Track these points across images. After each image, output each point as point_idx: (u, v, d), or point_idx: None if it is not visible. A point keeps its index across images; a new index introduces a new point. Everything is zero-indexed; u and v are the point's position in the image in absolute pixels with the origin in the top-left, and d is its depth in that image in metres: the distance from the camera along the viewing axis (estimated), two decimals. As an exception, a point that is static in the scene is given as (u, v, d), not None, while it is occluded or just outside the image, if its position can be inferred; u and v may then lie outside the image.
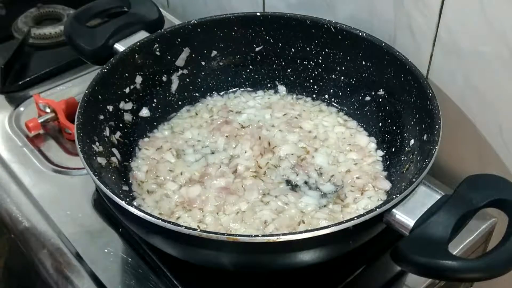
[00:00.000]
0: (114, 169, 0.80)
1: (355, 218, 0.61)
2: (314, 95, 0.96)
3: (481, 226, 0.82)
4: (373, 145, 0.87)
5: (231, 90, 0.98)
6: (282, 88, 0.97)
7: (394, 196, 0.63)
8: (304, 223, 0.75)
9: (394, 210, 0.63)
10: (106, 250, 0.78)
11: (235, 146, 0.87)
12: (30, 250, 0.80)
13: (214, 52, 0.95)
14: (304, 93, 0.96)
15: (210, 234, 0.59)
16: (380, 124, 0.88)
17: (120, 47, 0.88)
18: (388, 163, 0.84)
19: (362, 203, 0.77)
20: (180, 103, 0.95)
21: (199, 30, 0.92)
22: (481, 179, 0.65)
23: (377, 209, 0.62)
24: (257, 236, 0.63)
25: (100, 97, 0.81)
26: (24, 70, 1.11)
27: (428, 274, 0.64)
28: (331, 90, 0.94)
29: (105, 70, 0.83)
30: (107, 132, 0.82)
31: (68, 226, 0.82)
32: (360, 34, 0.86)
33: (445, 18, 0.78)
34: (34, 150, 0.95)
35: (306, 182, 0.82)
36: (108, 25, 0.92)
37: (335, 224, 0.60)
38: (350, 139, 0.88)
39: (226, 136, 0.89)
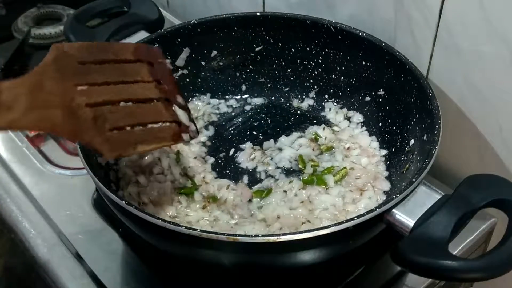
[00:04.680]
0: (114, 169, 0.80)
1: (355, 218, 0.61)
2: (314, 95, 0.96)
3: (481, 226, 0.82)
4: (375, 144, 0.87)
5: (231, 90, 0.98)
6: (283, 88, 0.97)
7: (394, 196, 0.63)
8: (310, 222, 0.75)
9: (394, 210, 0.63)
10: (106, 250, 0.78)
11: (235, 145, 0.88)
12: (30, 250, 0.80)
13: (214, 52, 0.95)
14: (304, 93, 0.96)
15: (210, 234, 0.59)
16: (380, 124, 0.88)
17: (120, 47, 0.88)
18: (388, 163, 0.84)
19: (361, 203, 0.77)
20: (180, 103, 0.95)
21: (199, 30, 0.92)
22: (481, 179, 0.65)
23: (377, 209, 0.62)
24: (257, 236, 0.63)
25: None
26: (24, 70, 1.11)
27: (428, 274, 0.63)
28: (331, 90, 0.94)
29: (105, 70, 0.82)
30: (194, 137, 0.81)
31: (68, 226, 0.82)
32: (360, 34, 0.86)
33: (445, 18, 0.78)
34: (34, 150, 0.95)
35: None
36: (108, 25, 0.92)
37: (335, 224, 0.60)
38: (351, 139, 0.88)
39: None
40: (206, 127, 0.92)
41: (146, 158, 0.83)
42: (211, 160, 0.86)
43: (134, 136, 0.66)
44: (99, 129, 0.63)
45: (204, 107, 0.95)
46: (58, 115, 0.60)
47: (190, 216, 0.76)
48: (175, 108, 0.71)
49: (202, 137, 0.90)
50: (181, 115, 0.72)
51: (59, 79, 0.62)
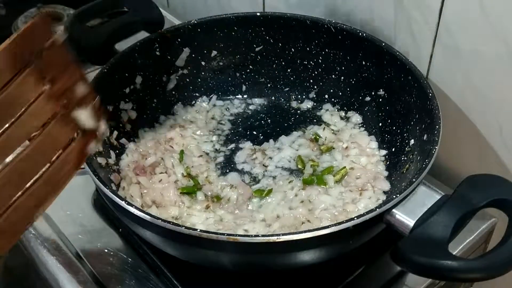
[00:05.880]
0: (115, 170, 0.80)
1: (355, 218, 0.61)
2: (314, 95, 0.96)
3: (481, 226, 0.82)
4: (375, 144, 0.87)
5: (231, 90, 0.98)
6: (283, 89, 0.97)
7: (394, 196, 0.63)
8: (309, 222, 0.75)
9: (394, 210, 0.63)
10: (106, 250, 0.78)
11: (235, 145, 0.88)
12: (30, 250, 0.80)
13: (214, 52, 0.95)
14: (304, 93, 0.96)
15: (210, 234, 0.59)
16: (380, 124, 0.88)
17: (120, 47, 0.88)
18: (388, 163, 0.84)
19: (361, 203, 0.77)
20: (179, 103, 0.95)
21: (199, 30, 0.92)
22: (481, 179, 0.65)
23: (377, 209, 0.62)
24: (257, 236, 0.63)
25: (99, 97, 0.81)
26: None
27: (428, 274, 0.64)
28: (331, 90, 0.94)
29: (105, 70, 0.83)
30: (106, 132, 0.82)
31: (68, 226, 0.82)
32: (360, 34, 0.86)
33: (445, 18, 0.78)
34: (34, 150, 0.95)
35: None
36: (108, 25, 0.92)
37: (335, 224, 0.60)
38: (350, 139, 0.88)
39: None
40: (220, 123, 0.93)
41: (148, 158, 0.83)
42: (220, 158, 0.87)
43: (30, 202, 0.46)
44: None
45: (212, 109, 0.95)
46: None
47: (194, 216, 0.76)
48: (77, 114, 0.51)
49: (214, 136, 0.90)
50: (86, 119, 0.51)
51: None
